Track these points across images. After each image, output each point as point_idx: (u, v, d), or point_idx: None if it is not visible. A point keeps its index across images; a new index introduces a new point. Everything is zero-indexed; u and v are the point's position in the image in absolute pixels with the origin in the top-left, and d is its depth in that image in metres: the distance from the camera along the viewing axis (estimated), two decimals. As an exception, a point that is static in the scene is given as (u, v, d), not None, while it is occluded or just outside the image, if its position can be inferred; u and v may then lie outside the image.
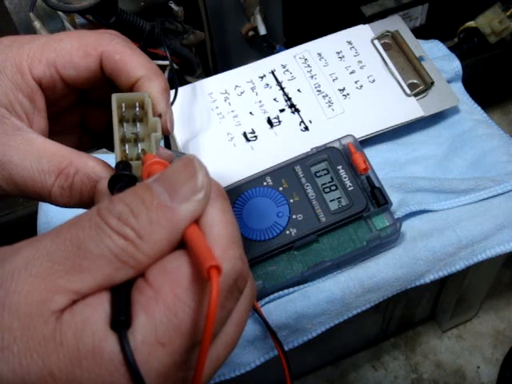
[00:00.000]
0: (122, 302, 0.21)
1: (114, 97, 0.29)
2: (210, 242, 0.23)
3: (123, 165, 0.27)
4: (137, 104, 0.29)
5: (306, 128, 0.51)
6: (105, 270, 0.21)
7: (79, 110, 0.35)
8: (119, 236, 0.21)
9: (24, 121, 0.30)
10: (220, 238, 0.23)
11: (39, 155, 0.29)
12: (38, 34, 0.31)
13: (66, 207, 0.30)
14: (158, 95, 0.30)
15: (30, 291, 0.20)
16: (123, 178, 0.25)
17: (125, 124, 0.29)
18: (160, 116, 0.30)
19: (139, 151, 0.29)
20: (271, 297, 0.43)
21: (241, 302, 0.24)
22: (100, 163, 0.29)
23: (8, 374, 0.19)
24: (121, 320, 0.20)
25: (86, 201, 0.29)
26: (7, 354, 0.20)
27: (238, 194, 0.45)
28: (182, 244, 0.23)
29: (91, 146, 0.37)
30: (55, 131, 0.33)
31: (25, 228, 0.53)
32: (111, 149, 0.29)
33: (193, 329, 0.22)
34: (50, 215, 0.50)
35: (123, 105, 0.29)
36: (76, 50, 0.31)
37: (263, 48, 0.61)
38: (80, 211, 0.30)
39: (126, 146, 0.29)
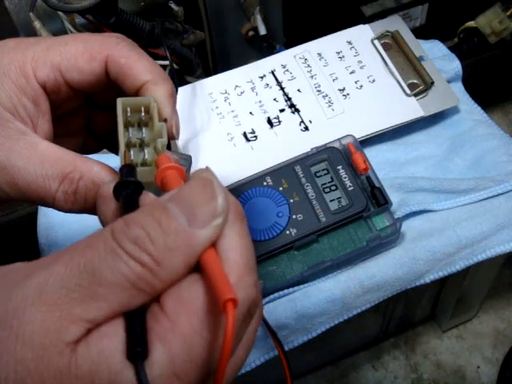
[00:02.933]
0: (138, 331, 0.20)
1: (119, 101, 0.29)
2: (226, 268, 0.22)
3: (128, 169, 0.26)
4: (142, 109, 0.29)
5: (306, 128, 0.51)
6: (120, 298, 0.21)
7: (84, 113, 0.35)
8: (136, 262, 0.21)
9: (28, 124, 0.30)
10: (236, 264, 0.22)
11: (43, 160, 0.28)
12: (43, 37, 0.31)
13: (70, 212, 0.30)
14: (163, 100, 0.30)
15: (43, 320, 0.20)
16: (129, 185, 0.25)
17: (130, 129, 0.29)
18: (165, 121, 0.30)
19: (145, 156, 0.28)
20: (271, 297, 0.43)
21: (251, 327, 0.24)
22: (105, 168, 0.29)
23: None
24: (138, 351, 0.20)
25: (91, 206, 0.29)
26: None
27: (237, 194, 0.45)
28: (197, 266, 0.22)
29: (96, 149, 0.37)
30: (59, 134, 0.33)
31: (25, 228, 0.53)
32: (116, 152, 0.29)
33: (208, 360, 0.21)
34: (50, 215, 0.50)
35: (128, 109, 0.29)
36: (81, 53, 0.30)
37: (263, 48, 0.61)
38: (84, 216, 0.29)
39: (132, 152, 0.28)
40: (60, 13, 0.52)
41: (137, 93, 0.30)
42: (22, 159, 0.28)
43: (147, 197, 0.25)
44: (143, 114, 0.29)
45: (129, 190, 0.25)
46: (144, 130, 0.29)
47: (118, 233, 0.21)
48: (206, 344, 0.21)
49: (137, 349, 0.20)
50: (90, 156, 0.38)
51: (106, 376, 0.20)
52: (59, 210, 0.30)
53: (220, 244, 0.23)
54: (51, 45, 0.30)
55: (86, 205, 0.29)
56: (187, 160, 0.32)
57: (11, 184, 0.28)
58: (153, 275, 0.21)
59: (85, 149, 0.36)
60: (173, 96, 0.31)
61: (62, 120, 0.33)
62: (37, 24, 0.52)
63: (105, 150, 0.38)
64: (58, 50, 0.30)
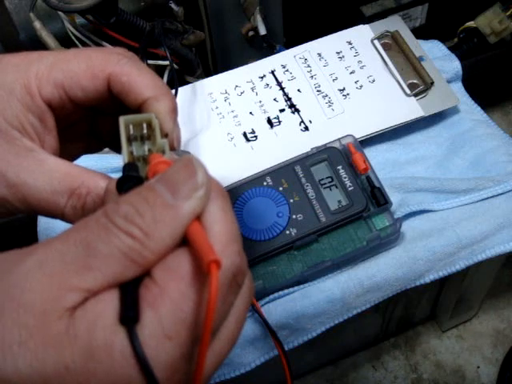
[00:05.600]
0: (130, 298, 0.22)
1: (122, 119, 0.29)
2: (211, 239, 0.24)
3: (130, 166, 0.27)
4: (144, 125, 0.30)
5: (306, 128, 0.51)
6: (114, 269, 0.22)
7: (88, 120, 0.35)
8: (127, 235, 0.22)
9: (35, 141, 0.30)
10: (220, 235, 0.24)
11: (51, 176, 0.29)
12: (46, 52, 0.31)
13: None
14: (165, 115, 0.31)
15: (44, 290, 0.21)
16: (131, 180, 0.26)
17: (133, 144, 0.30)
18: (167, 135, 0.31)
19: None
20: (271, 297, 0.43)
21: (240, 297, 0.25)
22: (111, 182, 0.30)
23: (25, 368, 0.20)
24: (129, 316, 0.21)
25: None
26: (24, 349, 0.20)
27: (238, 194, 0.45)
28: (184, 241, 0.24)
29: (99, 149, 0.37)
30: (64, 141, 0.33)
31: (25, 228, 0.53)
32: (120, 152, 0.30)
33: (198, 322, 0.22)
34: (50, 215, 0.50)
35: (131, 126, 0.29)
36: (83, 71, 0.31)
37: (263, 48, 0.61)
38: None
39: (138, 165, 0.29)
40: (60, 13, 0.52)
41: (139, 108, 0.31)
42: (31, 176, 0.29)
43: None
44: (145, 130, 0.30)
45: (130, 184, 0.26)
46: (147, 143, 0.30)
47: (110, 211, 0.23)
48: (195, 306, 0.22)
49: (128, 314, 0.22)
50: (93, 155, 0.38)
51: (102, 337, 0.21)
52: (68, 222, 0.30)
53: (204, 219, 0.24)
54: (54, 62, 0.31)
55: None
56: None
57: (21, 200, 0.29)
58: (143, 246, 0.22)
59: (89, 149, 0.37)
60: (174, 111, 0.32)
61: (65, 129, 0.34)
62: (37, 24, 0.52)
63: (106, 150, 0.38)
64: (61, 67, 0.31)
